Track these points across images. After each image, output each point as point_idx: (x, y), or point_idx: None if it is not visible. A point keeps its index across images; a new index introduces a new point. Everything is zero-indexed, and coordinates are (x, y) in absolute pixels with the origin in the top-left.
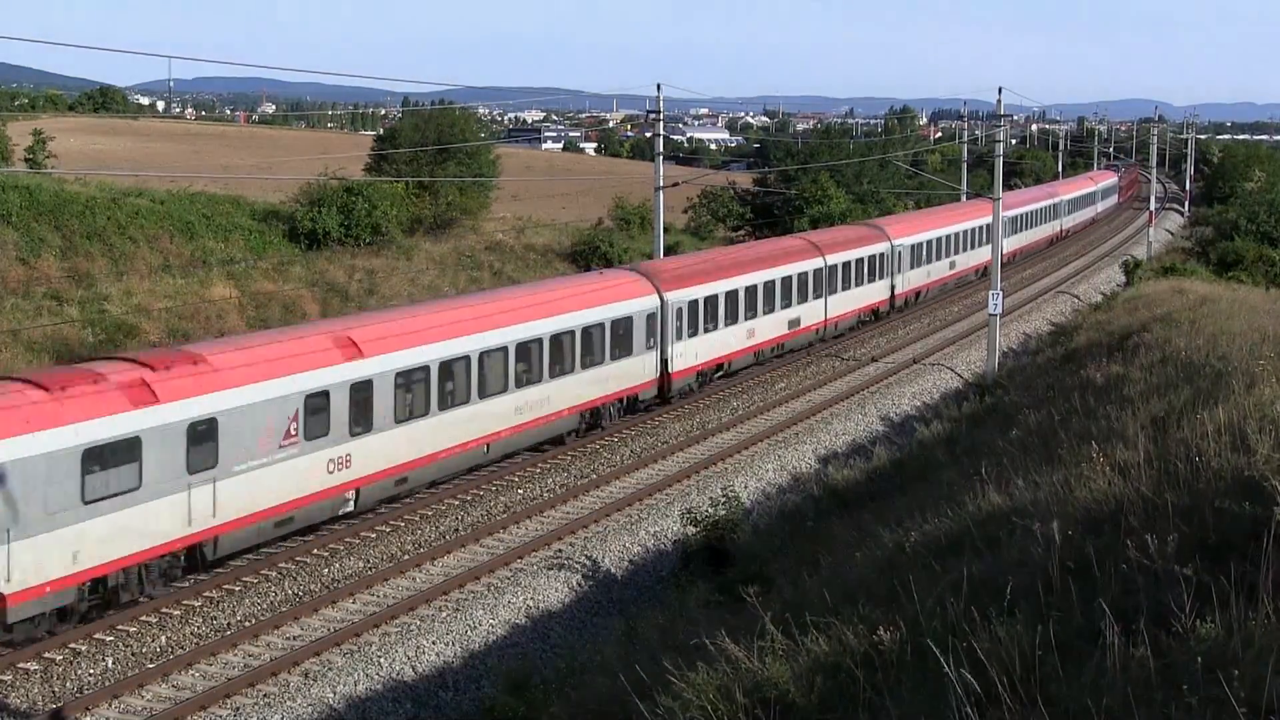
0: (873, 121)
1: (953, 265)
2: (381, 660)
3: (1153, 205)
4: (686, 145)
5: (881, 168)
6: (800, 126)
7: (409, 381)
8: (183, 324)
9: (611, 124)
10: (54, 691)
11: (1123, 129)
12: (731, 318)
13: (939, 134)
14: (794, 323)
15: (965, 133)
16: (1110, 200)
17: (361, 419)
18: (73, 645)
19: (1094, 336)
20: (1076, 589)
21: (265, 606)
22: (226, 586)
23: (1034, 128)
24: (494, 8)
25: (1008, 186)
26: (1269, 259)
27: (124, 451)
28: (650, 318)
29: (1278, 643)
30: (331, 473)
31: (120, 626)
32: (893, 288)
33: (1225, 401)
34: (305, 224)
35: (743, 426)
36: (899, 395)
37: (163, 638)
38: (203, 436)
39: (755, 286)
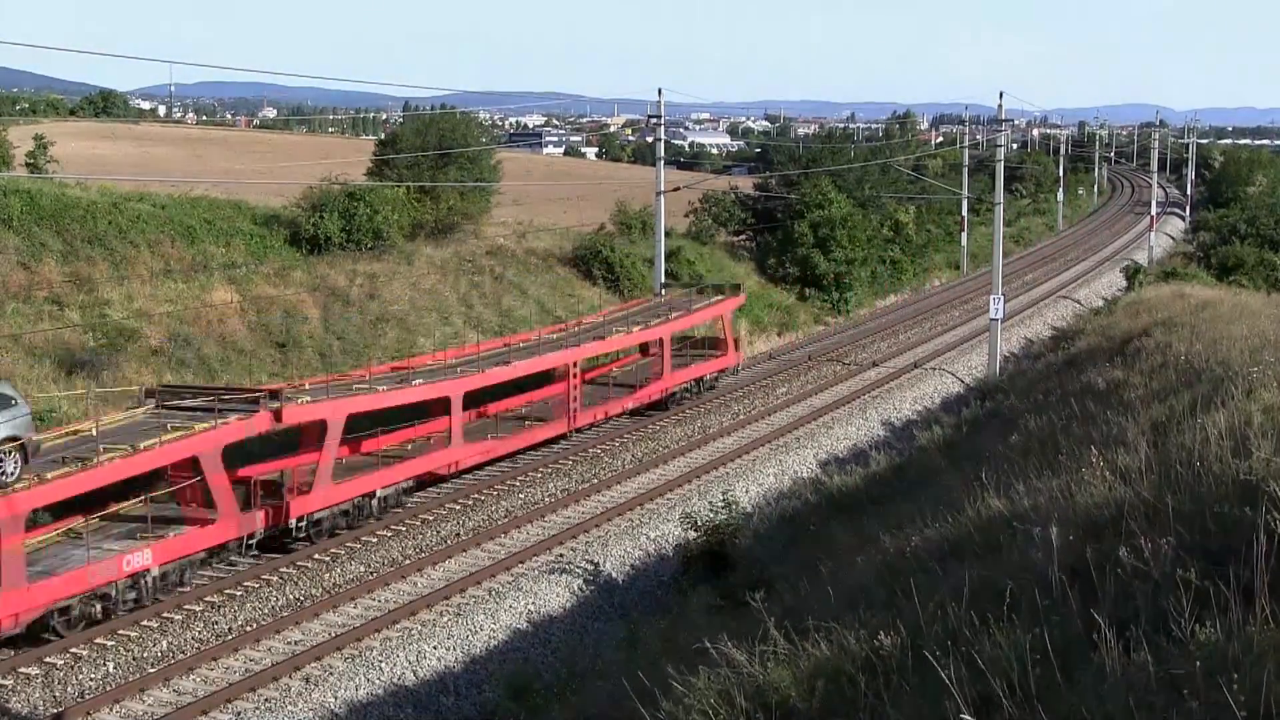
0: (874, 126)
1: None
2: (383, 665)
3: (1154, 210)
4: (688, 150)
5: (883, 172)
6: (801, 131)
7: None
8: (184, 328)
9: (612, 128)
10: (55, 696)
11: (1124, 133)
12: None
13: (940, 139)
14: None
15: (966, 137)
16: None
17: None
18: (74, 650)
19: (1095, 341)
20: (1077, 594)
21: (266, 611)
22: (228, 591)
23: (1035, 132)
24: (495, 12)
25: (1008, 190)
26: (1270, 263)
27: None
28: None
29: (1276, 647)
30: None
31: (121, 631)
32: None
33: (1226, 406)
34: (307, 229)
35: (744, 431)
36: (900, 400)
37: (164, 642)
38: None
39: None
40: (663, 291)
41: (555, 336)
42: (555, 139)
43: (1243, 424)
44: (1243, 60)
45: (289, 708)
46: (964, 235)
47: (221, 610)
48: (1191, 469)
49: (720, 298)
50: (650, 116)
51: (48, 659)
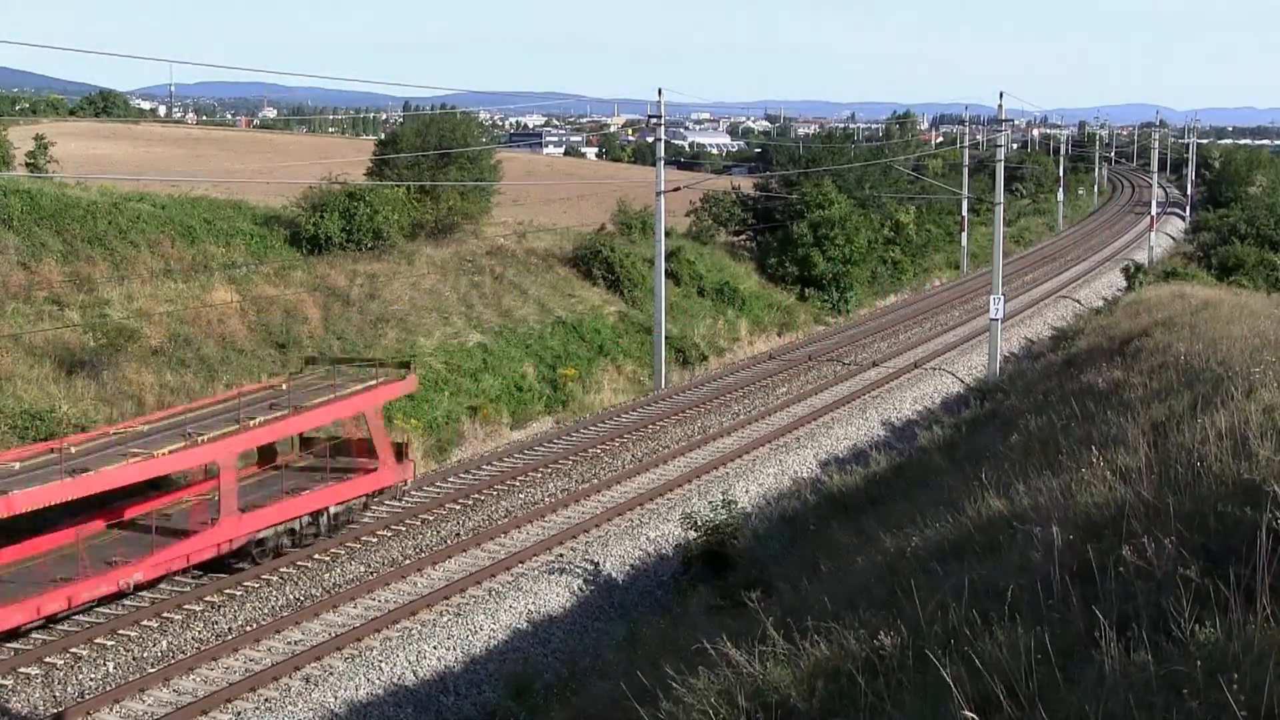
0: (874, 126)
1: None
2: (383, 665)
3: (1154, 210)
4: (688, 150)
5: (884, 172)
6: (801, 131)
7: None
8: (184, 328)
9: (613, 128)
10: (55, 696)
11: (1124, 133)
12: None
13: (940, 139)
14: None
15: (966, 137)
16: None
17: None
18: (74, 650)
19: (1095, 341)
20: (1077, 594)
21: (266, 611)
22: (228, 591)
23: (1035, 132)
24: (495, 12)
25: (1008, 190)
26: (1270, 263)
27: None
28: None
29: (1276, 646)
30: None
31: (121, 631)
32: None
33: (1226, 406)
34: (307, 229)
35: (744, 431)
36: (900, 400)
37: (164, 642)
38: None
39: None
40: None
41: None
42: (555, 139)
43: (1242, 424)
44: (1243, 60)
45: (289, 708)
46: (964, 235)
47: (221, 610)
48: (1191, 469)
49: (366, 384)
50: (650, 116)
51: (48, 659)
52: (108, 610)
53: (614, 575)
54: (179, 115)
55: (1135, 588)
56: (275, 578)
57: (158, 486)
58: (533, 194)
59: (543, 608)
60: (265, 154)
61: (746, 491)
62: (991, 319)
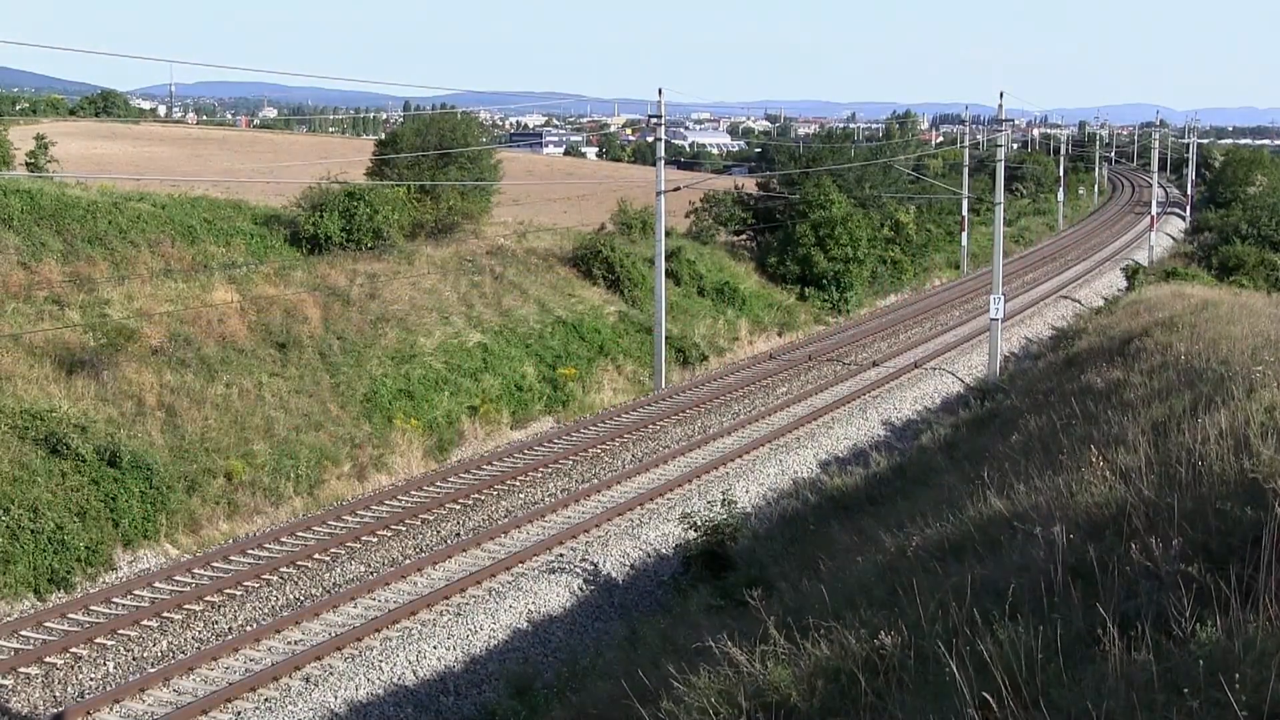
0: (874, 126)
1: None
2: (383, 664)
3: (1154, 210)
4: (688, 150)
5: (884, 172)
6: (802, 131)
7: None
8: (184, 328)
9: (613, 128)
10: (55, 696)
11: (1124, 133)
12: None
13: (940, 139)
14: None
15: (966, 137)
16: None
17: None
18: (74, 650)
19: (1095, 341)
20: (1078, 593)
21: (266, 611)
22: (228, 591)
23: (1035, 132)
24: (495, 12)
25: (1008, 190)
26: (1270, 263)
27: None
28: None
29: (1278, 646)
30: None
31: (121, 631)
32: None
33: (1226, 405)
34: (307, 228)
35: (744, 431)
36: (900, 400)
37: (164, 642)
38: None
39: None
40: None
41: None
42: (555, 139)
43: (1243, 423)
44: (1243, 60)
45: (289, 708)
46: (964, 235)
47: (222, 610)
48: (1192, 468)
49: None
50: (650, 116)
51: (48, 659)
52: (108, 610)
53: (614, 575)
54: (179, 115)
55: (1136, 587)
56: (275, 578)
57: None
58: (533, 194)
59: (543, 607)
60: (265, 154)
61: (746, 491)
62: (992, 319)
